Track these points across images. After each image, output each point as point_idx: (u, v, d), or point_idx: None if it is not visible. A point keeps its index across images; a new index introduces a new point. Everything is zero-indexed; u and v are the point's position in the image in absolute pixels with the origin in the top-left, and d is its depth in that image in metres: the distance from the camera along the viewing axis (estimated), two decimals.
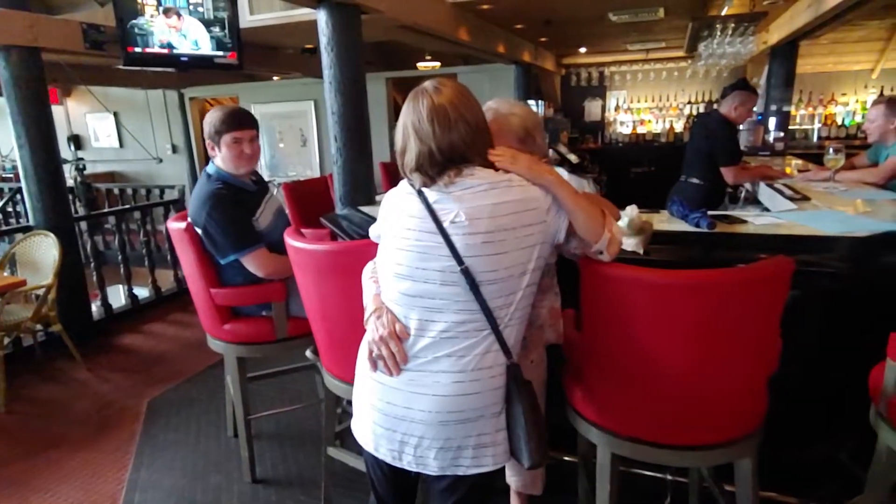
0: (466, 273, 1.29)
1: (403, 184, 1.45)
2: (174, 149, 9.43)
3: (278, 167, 8.76)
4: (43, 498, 2.59)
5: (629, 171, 7.97)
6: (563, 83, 9.46)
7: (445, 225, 1.31)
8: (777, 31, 6.37)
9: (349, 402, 1.60)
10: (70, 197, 5.75)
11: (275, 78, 8.78)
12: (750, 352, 1.45)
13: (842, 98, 7.87)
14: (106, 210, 6.80)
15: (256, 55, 6.29)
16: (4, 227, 6.64)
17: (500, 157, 1.36)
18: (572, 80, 9.31)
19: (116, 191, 8.55)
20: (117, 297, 5.18)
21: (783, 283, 1.39)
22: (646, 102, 9.11)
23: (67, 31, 4.23)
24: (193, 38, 4.48)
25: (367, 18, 3.53)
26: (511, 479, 2.01)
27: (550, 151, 3.37)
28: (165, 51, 4.35)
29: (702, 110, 8.64)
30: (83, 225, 5.42)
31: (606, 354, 1.57)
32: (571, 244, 1.43)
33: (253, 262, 2.31)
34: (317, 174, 8.32)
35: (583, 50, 8.78)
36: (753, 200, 3.74)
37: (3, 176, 9.72)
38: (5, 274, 3.96)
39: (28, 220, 4.30)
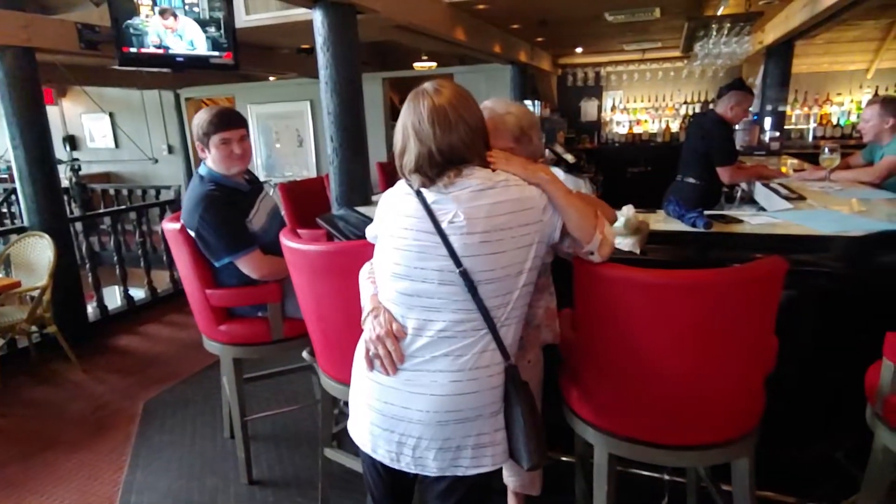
0: (465, 275, 1.29)
1: (401, 184, 1.45)
2: (170, 149, 9.41)
3: (275, 167, 8.75)
4: (39, 500, 2.58)
5: (626, 170, 7.98)
6: (560, 83, 9.47)
7: (443, 225, 1.31)
8: (772, 31, 6.39)
9: (346, 404, 1.60)
10: (65, 198, 5.73)
11: (271, 78, 8.77)
12: (745, 352, 1.45)
13: (837, 98, 7.90)
14: (101, 211, 6.76)
15: (252, 55, 6.28)
16: None
17: (494, 159, 1.38)
18: (569, 80, 9.33)
19: (112, 191, 8.52)
20: (113, 298, 5.16)
21: (777, 283, 1.39)
22: (642, 102, 9.13)
23: (62, 31, 4.21)
24: (189, 39, 4.47)
25: (362, 18, 3.52)
26: (509, 479, 2.01)
27: (547, 151, 3.37)
28: (161, 51, 4.34)
29: (698, 110, 8.66)
30: (78, 226, 5.38)
31: (602, 355, 1.57)
32: (564, 243, 1.44)
33: (247, 265, 2.30)
34: (313, 174, 8.31)
35: (579, 50, 8.79)
36: (749, 200, 3.75)
37: None
38: (0, 275, 3.94)
39: (23, 222, 4.28)
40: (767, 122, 6.64)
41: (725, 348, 1.41)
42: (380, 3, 3.63)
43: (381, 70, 8.01)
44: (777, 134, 6.35)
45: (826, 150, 3.30)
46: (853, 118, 7.59)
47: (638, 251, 1.95)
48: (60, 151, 8.27)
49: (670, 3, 5.30)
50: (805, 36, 6.00)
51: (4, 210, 7.93)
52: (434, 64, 8.43)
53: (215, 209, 2.25)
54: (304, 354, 2.41)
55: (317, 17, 3.29)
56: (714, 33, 5.33)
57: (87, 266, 4.80)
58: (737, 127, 4.03)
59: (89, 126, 9.85)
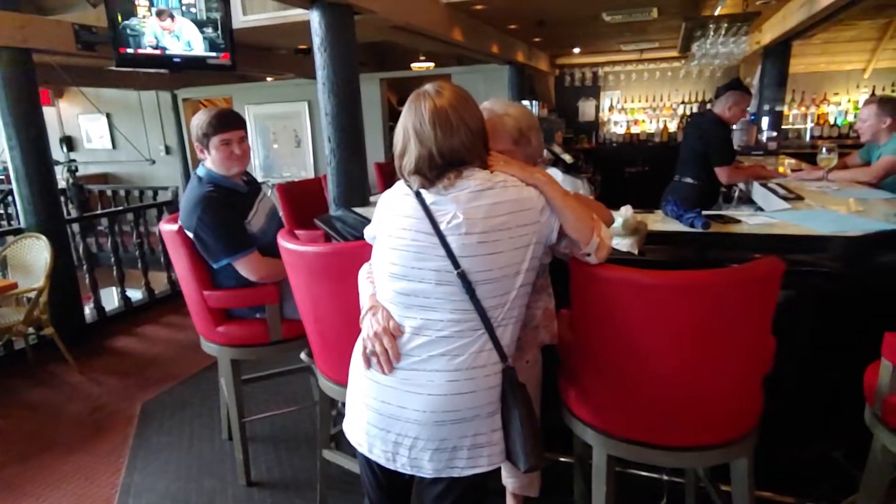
0: (463, 276, 1.30)
1: (400, 184, 1.45)
2: (167, 150, 9.39)
3: (272, 168, 8.74)
4: (35, 503, 2.57)
5: (623, 170, 7.98)
6: (557, 83, 9.48)
7: (442, 227, 1.32)
8: (770, 31, 6.40)
9: (344, 405, 1.59)
10: (62, 199, 5.72)
11: (268, 79, 8.76)
12: (743, 352, 1.44)
13: (834, 98, 7.92)
14: (98, 212, 6.75)
15: (249, 56, 6.27)
16: None
17: (493, 161, 1.39)
18: (566, 80, 9.33)
19: (109, 192, 8.50)
20: (110, 299, 5.15)
21: (774, 284, 1.39)
22: (640, 102, 9.14)
23: (59, 32, 4.19)
24: (186, 39, 4.46)
25: (360, 19, 3.52)
26: (507, 480, 2.00)
27: (545, 152, 3.37)
28: (158, 52, 4.33)
29: (695, 110, 8.68)
30: (75, 227, 5.37)
31: (599, 356, 1.57)
32: (562, 244, 1.44)
33: (245, 266, 2.29)
34: (311, 175, 8.30)
35: (577, 50, 8.80)
36: (747, 200, 3.76)
37: None
38: None
39: (19, 223, 4.27)
40: (765, 121, 6.66)
41: (723, 349, 1.41)
42: (377, 4, 3.63)
43: (379, 70, 8.01)
44: (774, 134, 6.37)
45: (823, 149, 3.30)
46: (850, 118, 7.61)
47: (636, 251, 1.95)
48: (57, 152, 8.22)
49: (668, 3, 5.31)
50: (802, 36, 6.01)
51: (1, 211, 7.92)
52: (432, 64, 8.44)
53: (214, 210, 2.24)
54: (303, 356, 2.41)
55: (314, 17, 3.29)
56: (711, 33, 5.34)
57: (85, 267, 4.79)
58: (734, 127, 4.04)
59: (86, 127, 9.84)
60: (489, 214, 1.30)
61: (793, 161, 4.85)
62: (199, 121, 2.28)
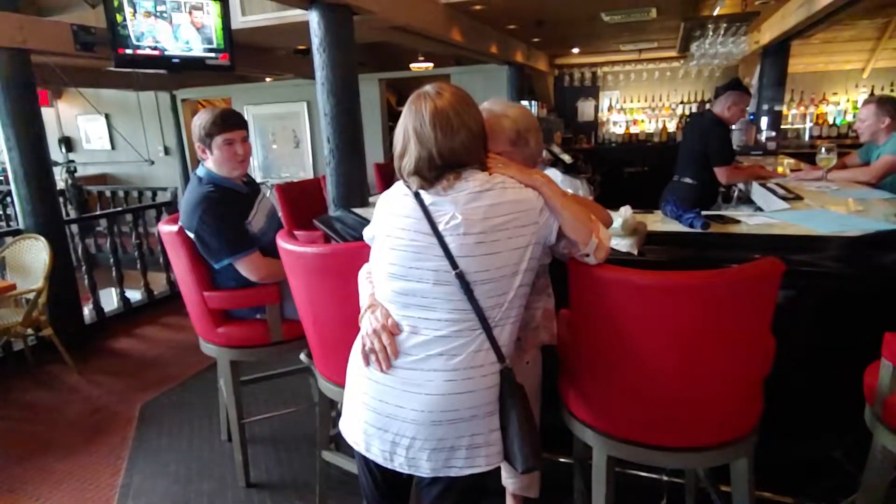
0: (461, 276, 1.30)
1: (399, 185, 1.45)
2: (166, 151, 9.38)
3: (271, 168, 8.73)
4: None
5: (623, 170, 7.99)
6: (556, 83, 9.47)
7: (440, 227, 1.32)
8: (769, 31, 6.40)
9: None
10: (61, 200, 5.71)
11: (267, 79, 8.75)
12: (742, 353, 1.44)
13: (833, 97, 7.92)
14: (97, 213, 6.74)
15: (249, 56, 6.26)
16: None
17: (492, 163, 1.39)
18: (565, 80, 9.33)
19: (108, 193, 8.48)
20: (109, 300, 5.14)
21: (773, 285, 1.39)
22: (639, 102, 9.14)
23: (57, 33, 4.19)
24: (185, 40, 4.45)
25: (359, 19, 3.51)
26: (507, 481, 2.00)
27: (544, 152, 3.37)
28: (156, 52, 4.32)
29: (694, 110, 8.68)
30: (74, 228, 5.37)
31: (598, 356, 1.57)
32: (560, 245, 1.45)
33: (247, 267, 2.29)
34: (310, 175, 8.29)
35: (575, 50, 8.80)
36: (746, 200, 3.76)
37: None
38: None
39: (18, 224, 4.26)
40: (764, 121, 6.66)
41: (722, 350, 1.41)
42: (376, 4, 3.62)
43: (378, 71, 8.00)
44: (773, 134, 6.38)
45: (823, 149, 3.30)
46: (849, 118, 7.61)
47: (636, 252, 1.95)
48: (56, 153, 8.26)
49: (667, 3, 5.31)
50: (801, 36, 6.01)
51: (0, 212, 7.90)
52: (431, 64, 8.44)
53: (215, 210, 2.24)
54: (302, 357, 2.40)
55: (313, 18, 3.28)
56: (710, 33, 5.34)
57: (84, 268, 4.78)
58: (733, 127, 4.04)
59: (85, 128, 9.82)
60: (488, 215, 1.31)
61: (792, 161, 4.86)
62: (201, 120, 2.28)
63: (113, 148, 9.73)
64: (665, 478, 2.29)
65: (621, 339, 1.45)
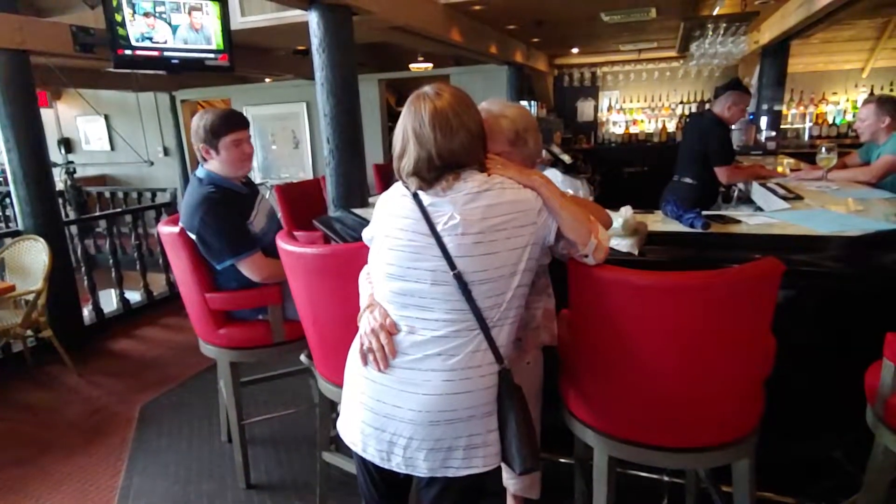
0: (458, 277, 1.30)
1: (398, 186, 1.45)
2: (166, 151, 9.38)
3: (270, 169, 8.73)
4: None
5: (622, 171, 7.99)
6: (556, 83, 9.48)
7: (438, 227, 1.32)
8: (768, 31, 6.40)
9: None
10: (60, 201, 5.71)
11: (266, 80, 8.75)
12: (742, 353, 1.44)
13: (832, 97, 7.93)
14: (97, 214, 6.75)
15: (248, 57, 6.26)
16: None
17: (491, 164, 1.39)
18: (565, 80, 9.33)
19: (108, 194, 8.48)
20: (109, 301, 5.14)
21: (773, 285, 1.38)
22: (638, 102, 9.14)
23: (57, 34, 4.19)
24: (184, 40, 4.44)
25: (358, 20, 3.51)
26: (508, 482, 2.00)
27: (544, 152, 3.37)
28: (156, 53, 4.32)
29: (694, 110, 8.68)
30: (73, 229, 5.37)
31: (599, 357, 1.57)
32: (559, 245, 1.45)
33: (249, 267, 2.29)
34: (309, 176, 8.29)
35: (575, 50, 8.80)
36: (746, 200, 3.76)
37: None
38: None
39: (17, 225, 4.25)
40: (763, 121, 6.66)
41: (722, 350, 1.41)
42: (376, 5, 3.62)
43: (378, 71, 8.00)
44: (773, 133, 6.38)
45: (823, 149, 3.30)
46: (849, 117, 7.62)
47: (636, 252, 1.94)
48: (55, 154, 8.25)
49: (666, 3, 5.30)
50: (801, 35, 6.01)
51: None
52: (430, 65, 8.44)
53: (217, 211, 2.23)
54: (302, 358, 2.40)
55: (312, 18, 3.28)
56: (710, 33, 5.34)
57: (83, 269, 4.78)
58: (733, 127, 4.04)
59: (84, 128, 9.82)
60: (486, 215, 1.31)
61: (792, 161, 4.85)
62: (205, 121, 2.27)
63: (112, 149, 9.73)
64: (666, 478, 2.29)
65: (621, 339, 1.45)
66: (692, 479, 2.14)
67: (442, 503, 1.43)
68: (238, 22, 4.89)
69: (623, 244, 1.96)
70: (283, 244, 1.87)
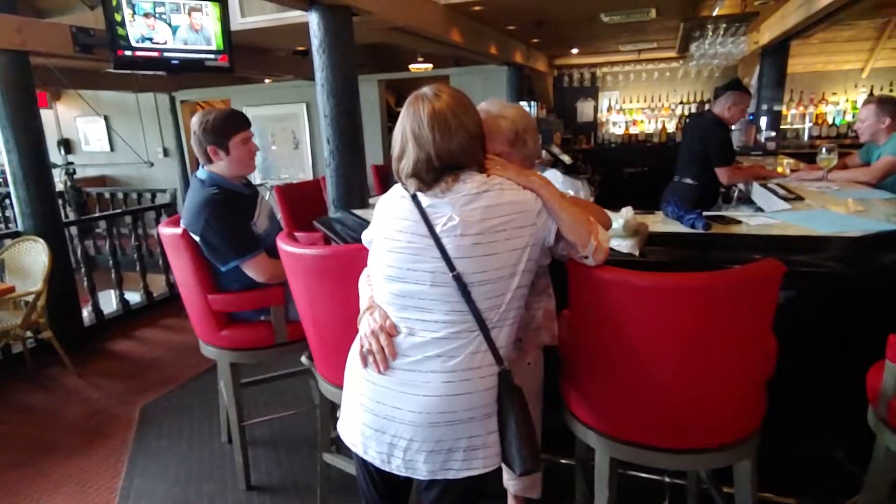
0: (458, 278, 1.30)
1: (397, 188, 1.45)
2: (165, 152, 9.38)
3: (270, 170, 8.73)
4: None
5: (622, 171, 7.99)
6: (556, 84, 9.48)
7: (437, 229, 1.32)
8: (768, 32, 6.41)
9: None
10: (60, 202, 5.70)
11: (266, 80, 8.75)
12: (743, 354, 1.44)
13: (832, 97, 7.93)
14: (97, 215, 6.74)
15: (248, 58, 6.26)
16: None
17: (490, 165, 1.39)
18: (564, 80, 9.33)
19: (107, 195, 8.48)
20: (109, 302, 5.13)
21: (773, 286, 1.38)
22: (638, 103, 9.14)
23: (56, 35, 4.18)
24: (184, 41, 4.44)
25: (358, 20, 3.51)
26: (509, 482, 2.00)
27: (543, 152, 3.37)
28: (155, 54, 4.32)
29: (693, 110, 8.68)
30: (73, 230, 5.36)
31: (599, 358, 1.56)
32: (559, 246, 1.44)
33: (254, 268, 2.29)
34: (309, 177, 8.29)
35: (575, 51, 8.80)
36: (746, 200, 3.76)
37: None
38: None
39: (17, 226, 4.25)
40: (763, 121, 6.66)
41: (723, 351, 1.40)
42: (376, 6, 3.62)
43: (377, 72, 8.00)
44: (773, 134, 6.38)
45: (823, 150, 3.30)
46: (848, 117, 7.62)
47: (637, 253, 1.94)
48: (55, 155, 8.26)
49: (666, 3, 5.31)
50: (800, 36, 6.02)
51: None
52: (430, 65, 8.43)
53: (221, 213, 2.23)
54: (303, 359, 2.40)
55: (313, 19, 3.28)
56: (710, 34, 5.34)
57: (83, 270, 4.77)
58: (733, 127, 4.04)
59: (84, 129, 9.82)
60: (485, 217, 1.30)
61: (792, 161, 4.85)
62: (211, 122, 2.25)
63: (112, 150, 9.73)
64: (667, 479, 2.29)
65: (622, 340, 1.45)
66: (693, 480, 2.14)
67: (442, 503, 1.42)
68: (238, 23, 4.88)
69: (624, 245, 1.96)
70: (283, 245, 1.87)
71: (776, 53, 6.61)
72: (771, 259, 1.37)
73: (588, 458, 1.80)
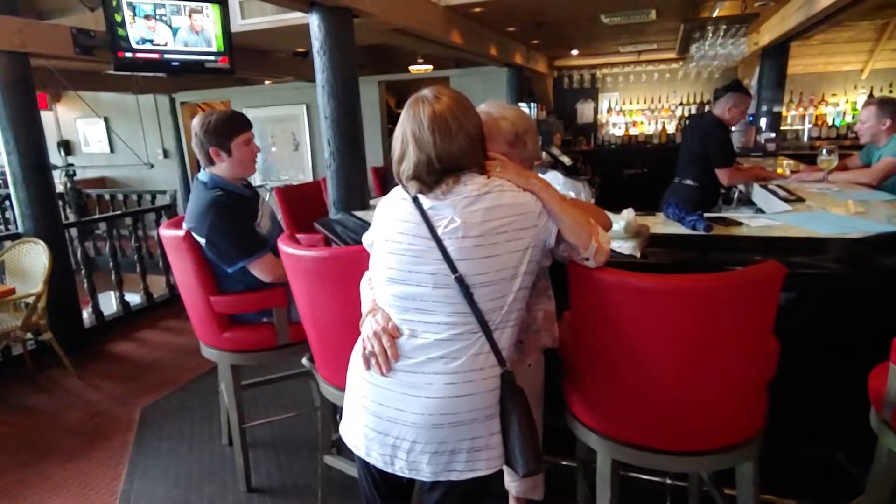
0: (460, 280, 1.30)
1: (397, 190, 1.45)
2: (165, 154, 9.38)
3: (270, 171, 8.73)
4: None
5: (622, 172, 8.00)
6: (556, 85, 9.48)
7: (439, 231, 1.32)
8: (768, 33, 6.41)
9: None
10: (60, 203, 5.70)
11: (266, 82, 8.76)
12: (744, 356, 1.44)
13: (832, 98, 7.92)
14: (97, 216, 6.74)
15: (248, 59, 6.27)
16: None
17: (491, 166, 1.40)
18: (564, 82, 9.33)
19: (107, 196, 8.49)
20: (109, 303, 5.13)
21: (774, 288, 1.38)
22: (638, 104, 9.14)
23: (57, 36, 4.18)
24: (184, 43, 4.44)
25: (359, 22, 3.51)
26: (511, 484, 1.99)
27: (543, 154, 3.37)
28: (156, 55, 4.32)
29: (693, 111, 8.68)
30: (73, 231, 5.36)
31: (600, 359, 1.56)
32: (560, 248, 1.45)
33: (261, 268, 2.28)
34: (309, 178, 8.30)
35: (575, 52, 8.80)
36: (747, 201, 3.76)
37: None
38: None
39: (17, 228, 4.25)
40: (763, 122, 6.66)
41: (724, 353, 1.40)
42: (376, 7, 3.62)
43: (377, 73, 8.00)
44: (773, 135, 6.38)
45: (824, 151, 3.30)
46: (848, 119, 7.62)
47: (638, 255, 1.94)
48: (55, 156, 8.25)
49: (666, 5, 5.31)
50: (800, 37, 6.02)
51: None
52: (430, 67, 8.43)
53: (226, 215, 2.23)
54: (304, 361, 2.39)
55: (313, 21, 3.28)
56: (710, 35, 5.34)
57: (83, 272, 4.77)
58: (733, 128, 4.04)
59: (84, 131, 9.82)
60: (486, 218, 1.31)
61: (791, 162, 4.85)
62: (212, 123, 2.25)
63: (112, 151, 9.73)
64: (668, 481, 2.28)
65: (623, 342, 1.45)
66: (695, 482, 2.14)
67: None
68: (238, 24, 4.89)
69: (625, 246, 1.95)
70: (284, 247, 1.87)
71: (776, 54, 6.62)
72: (772, 261, 1.36)
73: (590, 460, 1.80)
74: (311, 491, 2.52)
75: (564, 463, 2.36)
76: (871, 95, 7.53)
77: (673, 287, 1.34)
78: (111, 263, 4.93)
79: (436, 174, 1.33)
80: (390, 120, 7.92)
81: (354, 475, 1.99)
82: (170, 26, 4.33)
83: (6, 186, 4.75)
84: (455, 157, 1.33)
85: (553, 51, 8.70)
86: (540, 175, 1.51)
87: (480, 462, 1.34)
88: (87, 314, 4.67)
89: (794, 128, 7.83)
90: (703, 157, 3.64)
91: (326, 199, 3.78)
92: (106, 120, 9.42)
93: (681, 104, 8.87)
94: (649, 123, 8.95)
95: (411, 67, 8.42)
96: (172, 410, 3.36)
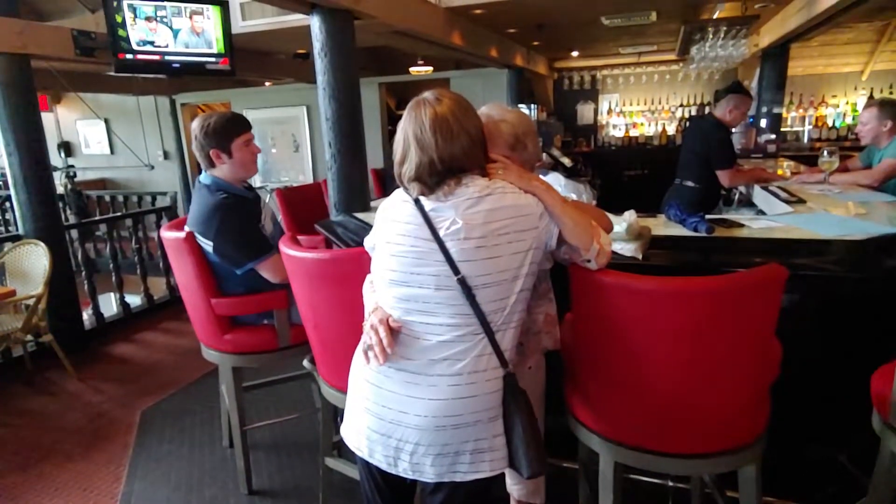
0: (462, 282, 1.30)
1: (399, 192, 1.46)
2: (166, 155, 9.38)
3: (270, 173, 8.73)
4: None
5: (622, 174, 7.99)
6: (556, 87, 9.48)
7: (441, 233, 1.33)
8: (768, 34, 6.41)
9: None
10: (60, 205, 5.70)
11: (267, 83, 8.76)
12: (746, 358, 1.43)
13: (832, 100, 7.92)
14: (97, 218, 6.74)
15: (248, 61, 6.27)
16: None
17: (492, 168, 1.40)
18: (565, 83, 9.34)
19: (108, 198, 8.49)
20: (109, 305, 5.13)
21: (776, 290, 1.38)
22: (638, 105, 9.14)
23: (57, 38, 4.19)
24: (185, 44, 4.45)
25: (360, 24, 3.51)
26: (512, 487, 1.99)
27: (544, 155, 3.37)
28: (156, 57, 4.32)
29: (694, 113, 8.68)
30: (74, 233, 5.36)
31: (602, 362, 1.56)
32: (561, 250, 1.45)
33: (269, 269, 2.28)
34: (309, 180, 8.29)
35: (575, 54, 8.81)
36: (747, 203, 3.76)
37: None
38: None
39: (17, 229, 4.25)
40: (763, 124, 6.66)
41: (726, 355, 1.40)
42: (377, 9, 3.62)
43: (378, 75, 8.01)
44: (773, 136, 6.38)
45: (825, 152, 3.30)
46: (848, 120, 7.62)
47: (640, 256, 1.94)
48: (55, 158, 8.25)
49: (666, 6, 5.31)
50: (800, 38, 6.02)
51: None
52: (430, 68, 8.44)
53: (232, 217, 2.23)
54: (305, 363, 2.39)
55: (314, 22, 3.28)
56: (710, 37, 5.35)
57: (83, 273, 4.77)
58: (733, 130, 4.05)
59: (84, 132, 9.81)
60: (488, 220, 1.31)
61: (792, 163, 4.85)
62: (212, 125, 2.25)
63: (112, 152, 9.72)
64: (670, 483, 2.28)
65: (625, 344, 1.44)
66: (697, 485, 2.13)
67: None
68: (239, 26, 4.89)
69: (627, 248, 1.95)
70: (285, 249, 1.87)
71: (776, 56, 6.62)
72: (774, 263, 1.36)
73: (592, 463, 1.80)
74: (312, 493, 2.52)
75: (566, 465, 2.36)
76: (871, 97, 7.54)
77: (675, 289, 1.34)
78: (111, 265, 4.93)
79: (437, 176, 1.33)
80: (391, 122, 7.92)
81: (356, 477, 1.99)
82: (170, 28, 4.33)
83: (7, 188, 4.76)
84: (457, 158, 1.33)
85: (553, 52, 8.71)
86: (541, 177, 1.51)
87: (484, 463, 1.34)
88: (87, 316, 4.66)
89: (795, 129, 7.83)
90: (704, 159, 3.64)
91: (327, 201, 3.77)
92: (106, 121, 9.42)
93: (681, 105, 8.87)
94: (649, 125, 8.96)
95: (412, 69, 8.42)
96: (173, 412, 3.36)
